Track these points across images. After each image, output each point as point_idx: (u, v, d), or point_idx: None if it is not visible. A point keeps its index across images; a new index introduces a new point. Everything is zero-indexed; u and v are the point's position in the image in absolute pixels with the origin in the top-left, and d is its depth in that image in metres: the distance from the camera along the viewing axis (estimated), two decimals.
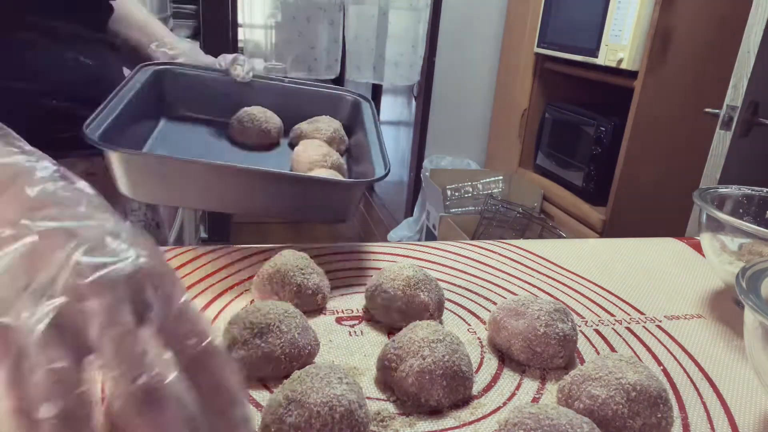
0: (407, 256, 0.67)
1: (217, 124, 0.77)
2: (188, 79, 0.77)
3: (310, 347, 0.44)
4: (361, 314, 0.53)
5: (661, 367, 0.49)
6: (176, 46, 0.80)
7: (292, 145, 0.74)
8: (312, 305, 0.53)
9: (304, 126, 0.76)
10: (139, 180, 0.54)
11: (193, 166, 0.54)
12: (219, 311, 0.52)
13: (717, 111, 1.43)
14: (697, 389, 0.46)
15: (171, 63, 0.77)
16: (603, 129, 1.87)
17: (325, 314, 0.53)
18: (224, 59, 0.77)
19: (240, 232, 2.78)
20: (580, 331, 0.53)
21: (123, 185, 0.53)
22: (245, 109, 0.74)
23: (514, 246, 0.73)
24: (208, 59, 0.80)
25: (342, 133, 0.76)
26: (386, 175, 0.58)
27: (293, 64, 2.52)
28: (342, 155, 0.73)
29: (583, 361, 0.49)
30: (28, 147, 0.29)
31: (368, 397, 0.42)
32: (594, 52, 1.84)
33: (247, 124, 0.73)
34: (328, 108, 0.79)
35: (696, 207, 1.47)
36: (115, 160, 0.52)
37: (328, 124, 0.75)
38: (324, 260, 0.63)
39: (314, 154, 0.64)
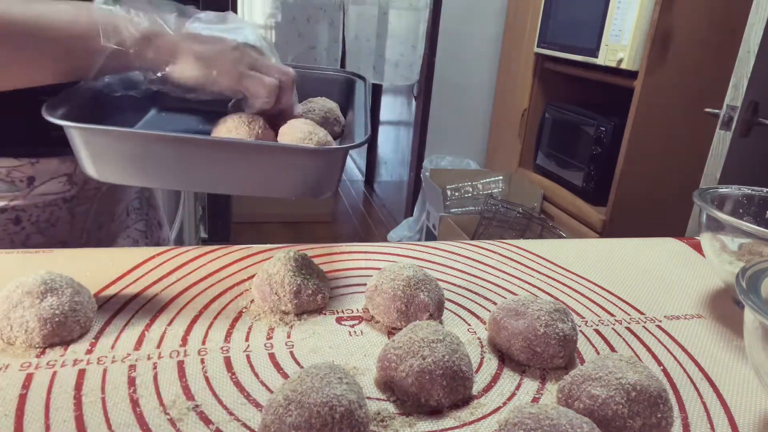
0: (407, 256, 0.67)
1: (210, 114, 0.75)
2: None
3: None
4: (361, 314, 0.53)
5: (661, 367, 0.49)
6: None
7: None
8: (312, 305, 0.53)
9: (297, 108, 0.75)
10: (101, 159, 0.50)
11: (148, 139, 0.50)
12: (219, 311, 0.52)
13: (717, 111, 1.43)
14: (697, 389, 0.46)
15: None
16: (603, 129, 1.87)
17: (325, 314, 0.53)
18: None
19: (240, 232, 2.78)
20: (580, 331, 0.53)
21: (87, 165, 0.50)
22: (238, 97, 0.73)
23: (514, 246, 0.73)
24: None
25: (337, 114, 0.74)
26: (365, 142, 0.56)
27: (293, 65, 2.53)
28: (337, 137, 0.71)
29: (583, 361, 0.49)
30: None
31: (368, 397, 0.42)
32: (594, 52, 1.84)
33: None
34: (322, 89, 0.78)
35: (696, 207, 1.47)
36: (75, 137, 0.49)
37: (321, 106, 0.73)
38: (324, 260, 0.63)
39: (298, 131, 0.62)
